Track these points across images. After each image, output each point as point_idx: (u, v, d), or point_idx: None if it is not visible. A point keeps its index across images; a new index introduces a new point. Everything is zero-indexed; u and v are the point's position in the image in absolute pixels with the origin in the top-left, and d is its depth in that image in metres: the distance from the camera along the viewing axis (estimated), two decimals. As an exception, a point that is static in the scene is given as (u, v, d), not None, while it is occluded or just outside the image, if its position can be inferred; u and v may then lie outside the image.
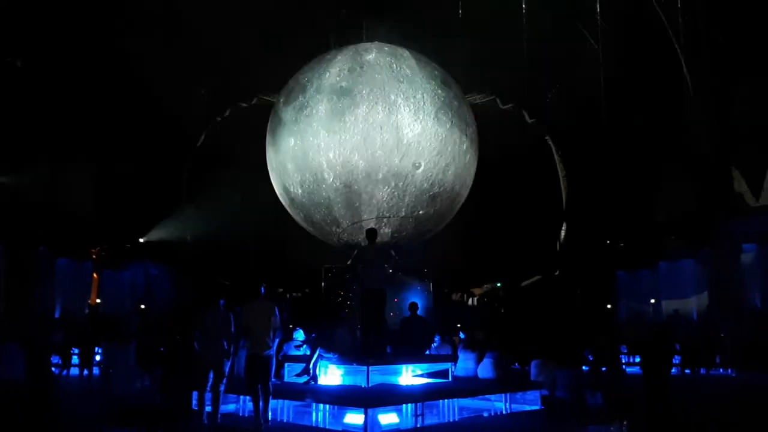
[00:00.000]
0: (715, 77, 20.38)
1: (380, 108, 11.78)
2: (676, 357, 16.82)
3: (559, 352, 10.55)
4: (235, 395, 8.81)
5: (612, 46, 20.18)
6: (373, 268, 9.14)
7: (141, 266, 24.35)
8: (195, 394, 8.20)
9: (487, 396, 9.26)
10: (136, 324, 20.08)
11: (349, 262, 9.47)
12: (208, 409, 7.64)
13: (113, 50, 19.40)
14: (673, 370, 14.38)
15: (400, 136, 11.75)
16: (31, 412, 8.58)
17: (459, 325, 17.76)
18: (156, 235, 22.56)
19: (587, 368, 13.31)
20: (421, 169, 11.96)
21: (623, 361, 17.92)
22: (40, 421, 8.42)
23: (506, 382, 9.68)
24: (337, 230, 12.64)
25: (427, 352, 10.85)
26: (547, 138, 23.58)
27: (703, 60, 20.15)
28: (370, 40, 13.71)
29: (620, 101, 20.83)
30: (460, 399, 8.84)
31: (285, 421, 8.38)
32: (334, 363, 8.92)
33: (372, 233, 9.60)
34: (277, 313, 7.80)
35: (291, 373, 9.29)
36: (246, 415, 8.52)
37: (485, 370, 9.90)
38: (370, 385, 8.15)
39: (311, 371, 8.81)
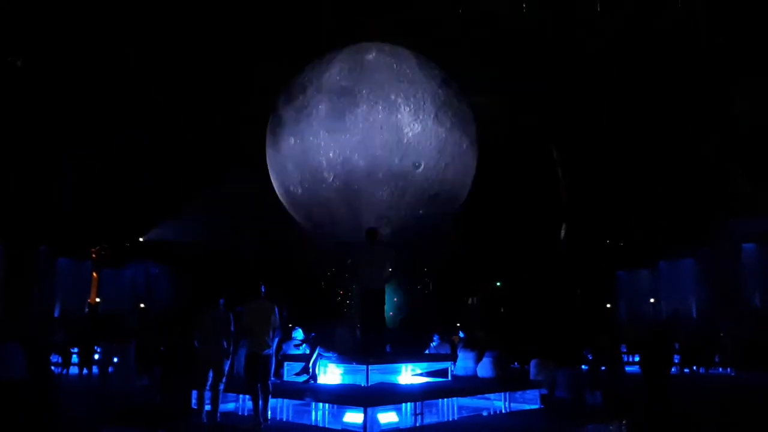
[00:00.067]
0: (715, 77, 20.38)
1: (380, 107, 11.75)
2: (675, 356, 16.83)
3: (558, 352, 10.55)
4: (235, 394, 8.81)
5: (612, 46, 20.18)
6: (373, 267, 9.14)
7: (141, 265, 24.38)
8: (194, 393, 8.21)
9: (486, 395, 9.26)
10: (135, 323, 20.10)
11: (348, 262, 9.46)
12: (207, 407, 7.65)
13: (114, 50, 19.41)
14: (673, 370, 14.39)
15: (401, 136, 11.73)
16: (31, 412, 8.59)
17: (459, 324, 17.78)
18: (156, 234, 22.58)
19: (587, 367, 13.33)
20: (421, 169, 11.94)
21: (625, 361, 17.96)
22: (40, 420, 8.43)
23: (506, 381, 9.68)
24: (338, 230, 12.63)
25: (427, 352, 10.87)
26: (547, 138, 23.57)
27: (704, 58, 20.15)
28: (371, 39, 13.69)
29: (620, 101, 20.83)
30: (459, 398, 8.84)
31: (284, 420, 8.39)
32: (333, 362, 8.93)
33: (372, 233, 9.59)
34: (276, 312, 7.82)
35: (290, 372, 9.29)
36: (245, 414, 8.52)
37: (485, 369, 9.91)
38: (369, 384, 8.16)
39: (311, 370, 8.82)
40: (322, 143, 11.91)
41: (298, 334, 10.18)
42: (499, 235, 20.64)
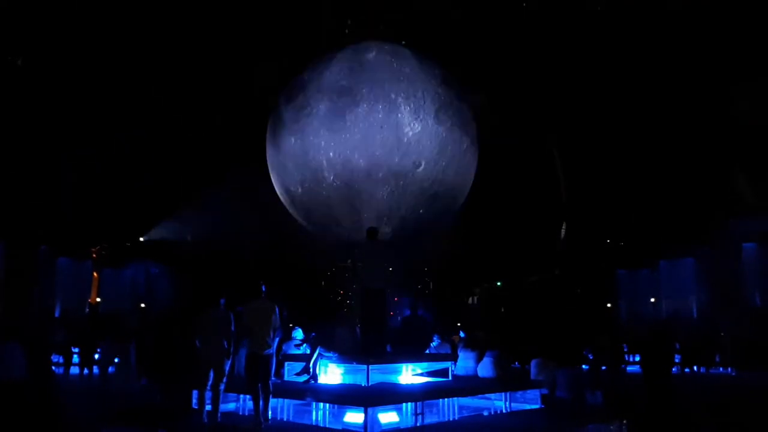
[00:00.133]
0: (716, 76, 20.38)
1: (380, 107, 11.75)
2: (676, 356, 16.83)
3: (559, 352, 10.55)
4: (235, 394, 8.81)
5: (613, 44, 20.17)
6: (373, 267, 9.13)
7: (141, 265, 24.37)
8: (195, 393, 8.21)
9: (487, 395, 9.26)
10: (136, 323, 20.10)
11: (349, 261, 9.46)
12: (208, 407, 7.65)
13: (114, 50, 19.40)
14: (673, 369, 14.40)
15: (401, 135, 11.73)
16: (31, 412, 8.58)
17: (459, 324, 17.78)
18: (156, 234, 22.58)
19: (587, 367, 13.33)
20: (421, 168, 11.94)
21: (630, 360, 17.98)
22: (40, 420, 8.42)
23: (506, 381, 9.68)
24: (338, 229, 12.63)
25: (427, 351, 10.86)
26: (547, 137, 23.56)
27: (704, 58, 20.15)
28: (371, 38, 13.69)
29: (620, 101, 20.83)
30: (460, 398, 8.84)
31: (285, 419, 8.38)
32: (334, 362, 8.93)
33: (372, 232, 9.59)
34: (277, 312, 7.82)
35: (291, 372, 9.29)
36: (246, 414, 8.52)
37: (485, 369, 9.91)
38: (370, 384, 8.15)
39: (311, 370, 8.81)
40: (323, 143, 11.90)
41: (298, 333, 10.18)
42: (499, 235, 20.63)
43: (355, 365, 8.63)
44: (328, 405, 8.03)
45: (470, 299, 24.86)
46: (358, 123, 11.72)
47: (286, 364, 9.39)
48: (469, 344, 11.10)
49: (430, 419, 8.25)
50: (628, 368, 17.27)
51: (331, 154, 11.86)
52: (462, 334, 14.65)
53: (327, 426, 7.86)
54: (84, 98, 19.63)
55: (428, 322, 11.21)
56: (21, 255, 19.62)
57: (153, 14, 19.71)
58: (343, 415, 7.90)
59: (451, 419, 8.58)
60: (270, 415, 7.67)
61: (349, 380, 8.86)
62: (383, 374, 8.73)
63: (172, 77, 19.60)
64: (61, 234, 20.81)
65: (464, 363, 10.32)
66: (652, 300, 25.40)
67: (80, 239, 22.29)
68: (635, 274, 25.91)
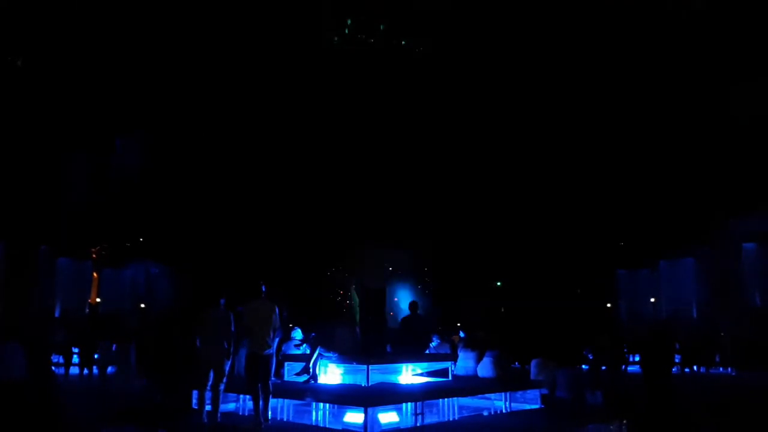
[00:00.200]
0: (715, 77, 20.39)
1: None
2: (676, 356, 16.82)
3: (559, 352, 10.54)
4: (235, 394, 8.81)
5: (613, 45, 20.18)
6: (374, 268, 9.13)
7: (141, 265, 24.35)
8: (195, 393, 8.20)
9: (487, 395, 9.25)
10: (136, 323, 20.09)
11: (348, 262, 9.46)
12: (208, 407, 7.64)
13: (114, 50, 19.41)
14: (673, 369, 14.39)
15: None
16: (31, 412, 8.57)
17: (459, 324, 17.77)
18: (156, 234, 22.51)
19: (587, 367, 13.33)
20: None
21: (630, 360, 17.97)
22: (40, 420, 8.41)
23: (506, 381, 9.67)
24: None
25: (427, 352, 10.85)
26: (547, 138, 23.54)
27: (704, 58, 20.16)
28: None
29: (621, 101, 20.83)
30: (460, 398, 8.84)
31: (285, 419, 8.38)
32: (334, 362, 8.92)
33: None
34: (277, 312, 7.81)
35: (291, 372, 9.28)
36: (246, 414, 8.52)
37: (485, 369, 9.90)
38: (370, 384, 8.15)
39: (311, 370, 8.81)
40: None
41: (297, 334, 10.17)
42: (499, 235, 20.63)
43: (355, 365, 8.62)
44: (328, 405, 8.02)
45: (470, 299, 24.83)
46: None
47: (286, 364, 9.39)
48: (469, 344, 11.09)
49: (430, 419, 8.25)
50: (629, 368, 17.27)
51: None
52: (462, 334, 14.64)
53: (327, 426, 7.86)
54: (84, 99, 19.64)
55: (427, 321, 11.20)
56: (21, 255, 19.61)
57: (152, 14, 19.72)
58: (343, 415, 7.90)
59: (451, 419, 8.58)
60: (270, 415, 7.67)
61: (349, 380, 8.85)
62: (383, 374, 8.73)
63: (172, 77, 19.60)
64: (61, 234, 20.80)
65: (464, 363, 10.30)
66: (652, 300, 25.38)
67: (80, 239, 22.29)
68: (635, 274, 25.88)
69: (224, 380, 7.72)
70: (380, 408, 7.53)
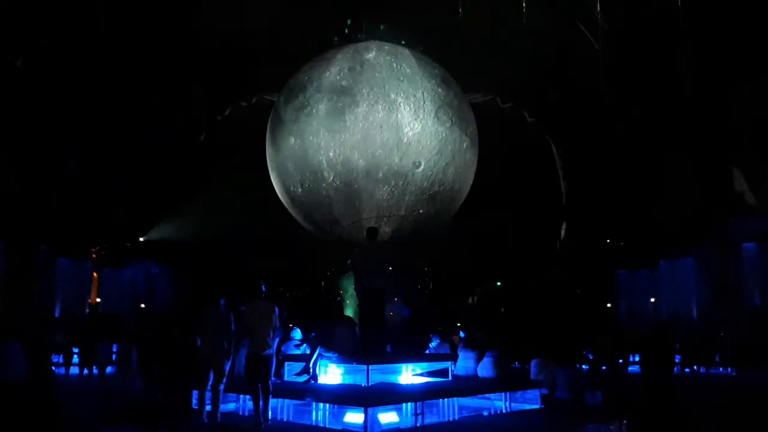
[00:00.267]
0: (716, 76, 20.39)
1: (380, 107, 11.75)
2: (676, 356, 16.82)
3: (559, 352, 10.54)
4: (235, 394, 8.81)
5: (612, 44, 20.17)
6: (373, 267, 9.13)
7: (141, 265, 24.36)
8: (195, 393, 8.20)
9: (486, 395, 9.25)
10: (135, 323, 20.10)
11: (348, 262, 9.47)
12: (208, 408, 7.65)
13: (114, 50, 19.40)
14: (673, 369, 14.38)
15: (401, 135, 11.73)
16: (31, 412, 8.57)
17: (459, 324, 17.78)
18: (156, 234, 22.56)
19: (587, 367, 13.33)
20: (421, 168, 11.94)
21: (631, 360, 17.97)
22: (40, 420, 8.42)
23: (506, 381, 9.68)
24: (338, 229, 12.64)
25: (427, 352, 10.87)
26: (547, 137, 23.54)
27: (704, 59, 20.15)
28: (370, 38, 13.68)
29: (620, 100, 20.83)
30: (460, 398, 8.84)
31: (285, 420, 8.38)
32: (333, 362, 8.92)
33: (372, 232, 9.59)
34: (277, 312, 7.82)
35: (291, 372, 9.29)
36: (246, 414, 8.52)
37: (485, 369, 9.91)
38: (370, 384, 8.16)
39: (311, 370, 8.81)
40: (322, 143, 11.91)
41: (297, 334, 10.18)
42: (499, 235, 20.62)
43: (354, 365, 8.63)
44: (328, 405, 8.03)
45: (470, 299, 24.85)
46: (358, 123, 11.73)
47: (285, 364, 9.39)
48: (469, 344, 11.10)
49: (430, 419, 8.25)
50: (629, 368, 17.28)
51: (330, 154, 11.87)
52: (462, 334, 14.66)
53: (327, 426, 7.86)
54: (84, 98, 19.63)
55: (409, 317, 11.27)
56: (21, 255, 19.62)
57: (151, 13, 19.71)
58: (343, 415, 7.90)
59: (451, 419, 8.58)
60: (270, 416, 7.67)
61: (349, 380, 8.86)
62: (383, 374, 8.73)
63: (172, 77, 19.60)
64: (61, 234, 20.82)
65: (464, 363, 10.32)
66: (652, 300, 25.41)
67: (80, 239, 22.29)
68: (635, 274, 25.92)
69: (224, 380, 7.72)
70: (380, 408, 7.53)
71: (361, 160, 11.80)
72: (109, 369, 16.68)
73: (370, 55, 12.53)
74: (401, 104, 11.84)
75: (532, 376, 9.97)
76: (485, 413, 9.17)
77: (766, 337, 18.10)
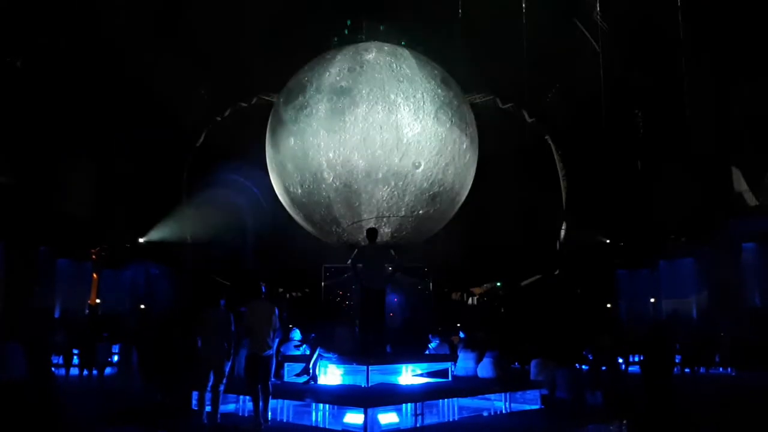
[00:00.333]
0: (715, 77, 20.39)
1: (380, 107, 11.79)
2: (676, 356, 16.82)
3: (559, 352, 10.55)
4: (235, 395, 8.81)
5: (612, 45, 20.18)
6: (373, 267, 9.14)
7: (141, 266, 24.34)
8: (195, 394, 8.21)
9: (486, 395, 9.26)
10: (135, 324, 20.10)
11: (348, 262, 9.47)
12: (208, 408, 7.65)
13: (114, 49, 19.40)
14: (674, 369, 14.37)
15: (400, 136, 11.76)
16: (31, 412, 8.57)
17: (459, 325, 17.77)
18: (156, 235, 22.57)
19: (587, 367, 13.32)
20: (420, 169, 11.97)
21: (630, 360, 17.97)
22: (40, 421, 8.42)
23: (506, 381, 9.68)
24: (338, 229, 12.65)
25: (427, 352, 10.87)
26: (546, 137, 23.56)
27: (704, 59, 20.16)
28: (370, 39, 13.70)
29: (620, 100, 20.83)
30: (459, 398, 8.84)
31: (285, 420, 8.39)
32: (333, 363, 8.93)
33: (372, 233, 9.60)
34: (276, 313, 7.82)
35: (291, 373, 9.29)
36: (246, 415, 8.52)
37: (485, 369, 9.91)
38: (369, 385, 8.16)
39: (311, 371, 8.82)
40: (322, 143, 11.94)
41: (296, 334, 10.19)
42: (499, 235, 20.61)
43: (354, 366, 8.63)
44: (327, 406, 8.03)
45: (470, 299, 24.83)
46: (357, 123, 11.76)
47: (285, 365, 9.40)
48: (468, 345, 11.11)
49: (429, 420, 8.26)
50: (629, 368, 17.27)
51: (330, 154, 11.90)
52: (462, 335, 14.65)
53: (327, 427, 7.86)
54: (84, 98, 19.62)
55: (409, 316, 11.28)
56: (21, 255, 19.62)
57: (151, 13, 19.71)
58: (343, 415, 7.90)
59: (450, 420, 8.58)
60: (270, 416, 7.68)
61: (349, 381, 8.86)
62: (383, 375, 8.74)
63: (172, 77, 19.59)
64: (60, 235, 20.81)
65: (464, 363, 10.32)
66: (652, 300, 25.40)
67: (80, 240, 22.29)
68: (635, 274, 25.91)
69: (224, 381, 7.72)
70: (380, 409, 7.54)
71: (360, 161, 11.83)
72: (108, 370, 16.68)
73: (370, 56, 12.57)
74: (401, 105, 11.87)
75: (532, 377, 9.97)
76: (485, 414, 9.17)
77: (766, 337, 18.07)
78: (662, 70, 21.05)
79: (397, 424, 7.92)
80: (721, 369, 18.70)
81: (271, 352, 7.69)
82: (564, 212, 23.70)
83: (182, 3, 19.68)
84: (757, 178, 20.95)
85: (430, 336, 11.42)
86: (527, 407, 9.31)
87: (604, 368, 13.05)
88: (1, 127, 17.98)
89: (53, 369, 13.96)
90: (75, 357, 17.14)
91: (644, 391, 9.69)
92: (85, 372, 16.50)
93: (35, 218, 19.50)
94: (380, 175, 11.87)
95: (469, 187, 13.61)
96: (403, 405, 8.02)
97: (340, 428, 7.73)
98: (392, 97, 11.84)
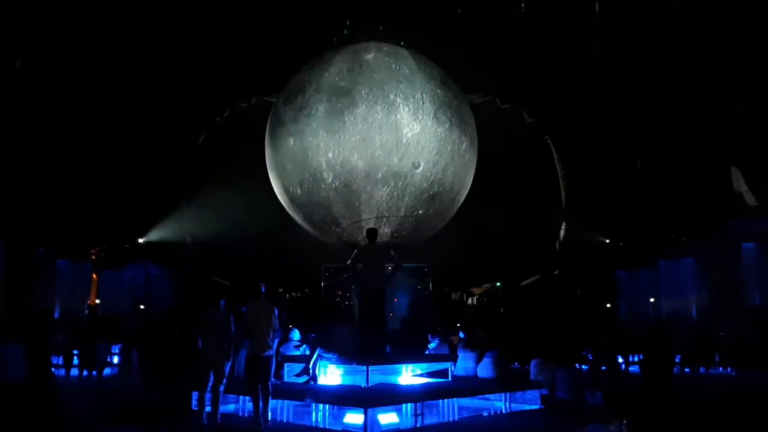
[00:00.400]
0: (715, 77, 20.39)
1: (379, 108, 11.77)
2: (676, 356, 16.82)
3: (558, 352, 10.55)
4: (235, 395, 8.81)
5: (613, 44, 20.17)
6: (373, 267, 9.14)
7: (140, 266, 24.35)
8: (195, 394, 8.21)
9: (486, 395, 9.26)
10: (135, 324, 20.11)
11: (348, 262, 9.47)
12: (208, 409, 7.65)
13: (114, 49, 19.40)
14: (674, 369, 14.36)
15: (400, 136, 11.74)
16: (31, 413, 8.58)
17: (459, 325, 17.77)
18: (156, 235, 22.56)
19: (587, 367, 13.32)
20: (420, 169, 11.95)
21: (630, 360, 17.97)
22: (40, 421, 8.42)
23: (506, 381, 9.68)
24: (337, 230, 12.64)
25: (426, 352, 10.87)
26: (546, 137, 23.56)
27: (704, 59, 20.15)
28: (370, 39, 13.69)
29: (620, 100, 20.83)
30: (459, 398, 8.85)
31: (285, 421, 8.39)
32: (333, 363, 8.93)
33: (372, 233, 9.60)
34: (276, 313, 7.82)
35: (291, 373, 9.29)
36: (246, 415, 8.53)
37: (485, 369, 9.91)
38: (369, 385, 8.16)
39: (311, 371, 8.82)
40: (321, 144, 11.92)
41: (295, 334, 10.19)
42: (499, 235, 20.61)
43: (354, 366, 8.63)
44: (327, 406, 8.03)
45: (470, 299, 24.83)
46: (357, 124, 11.74)
47: (285, 365, 9.40)
48: (468, 345, 11.11)
49: (429, 420, 8.26)
50: (629, 368, 17.27)
51: (330, 155, 11.88)
52: (461, 335, 14.65)
53: (327, 427, 7.87)
54: (83, 99, 19.63)
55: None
56: (21, 255, 19.63)
57: (151, 13, 19.71)
58: (342, 416, 7.91)
59: (450, 420, 8.58)
60: (270, 417, 7.68)
61: (349, 381, 8.87)
62: (383, 375, 8.74)
63: (172, 77, 19.60)
64: (60, 236, 20.81)
65: (464, 363, 10.32)
66: (652, 300, 25.40)
67: (79, 241, 22.29)
68: (635, 274, 25.92)
69: (224, 381, 7.73)
70: (380, 409, 7.54)
71: (360, 161, 11.81)
72: (107, 370, 16.69)
73: (369, 56, 12.55)
74: (400, 105, 11.86)
75: (532, 377, 9.97)
76: (485, 414, 9.18)
77: (766, 337, 18.08)
78: (662, 70, 21.05)
79: (397, 424, 7.92)
80: (721, 369, 18.70)
81: (271, 353, 7.69)
82: (563, 212, 23.68)
83: (182, 3, 19.66)
84: (757, 178, 20.94)
85: (429, 336, 11.43)
86: (527, 407, 9.31)
87: (604, 368, 13.05)
88: (1, 127, 17.97)
89: (53, 369, 13.95)
90: (75, 357, 17.14)
91: (644, 391, 9.69)
92: (85, 372, 16.50)
93: (35, 218, 19.50)
94: (380, 176, 11.85)
95: (469, 187, 13.59)
96: (403, 405, 8.02)
97: (340, 428, 7.73)
98: (391, 97, 11.83)
